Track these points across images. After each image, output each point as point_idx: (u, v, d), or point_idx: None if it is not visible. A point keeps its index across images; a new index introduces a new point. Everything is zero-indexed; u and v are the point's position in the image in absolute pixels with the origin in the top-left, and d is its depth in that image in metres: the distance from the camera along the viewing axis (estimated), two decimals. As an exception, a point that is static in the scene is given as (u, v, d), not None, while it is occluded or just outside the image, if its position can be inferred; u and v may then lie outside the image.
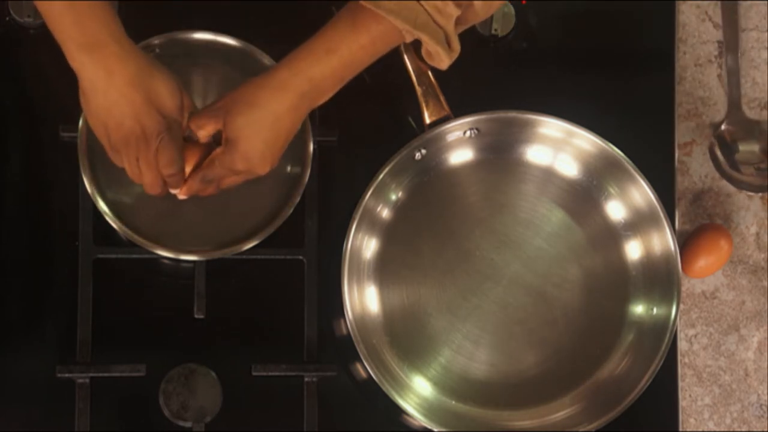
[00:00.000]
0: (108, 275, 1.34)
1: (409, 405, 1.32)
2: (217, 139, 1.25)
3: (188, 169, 1.25)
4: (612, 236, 1.41)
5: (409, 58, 1.34)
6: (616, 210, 1.41)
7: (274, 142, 1.23)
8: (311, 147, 1.33)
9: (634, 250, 1.40)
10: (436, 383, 1.37)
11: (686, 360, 1.43)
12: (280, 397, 1.35)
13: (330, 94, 1.24)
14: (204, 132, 1.24)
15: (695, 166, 1.46)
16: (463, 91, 1.39)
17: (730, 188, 1.46)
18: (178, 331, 1.35)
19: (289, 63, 1.22)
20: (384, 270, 1.38)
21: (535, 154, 1.41)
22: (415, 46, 1.30)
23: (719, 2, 1.48)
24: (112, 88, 1.16)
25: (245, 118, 1.21)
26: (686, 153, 1.46)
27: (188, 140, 1.25)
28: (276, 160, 1.24)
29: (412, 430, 1.37)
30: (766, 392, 1.43)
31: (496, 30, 1.43)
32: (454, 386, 1.37)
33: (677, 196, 1.45)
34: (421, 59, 1.28)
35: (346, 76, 1.23)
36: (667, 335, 1.35)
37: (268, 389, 1.35)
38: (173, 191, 1.26)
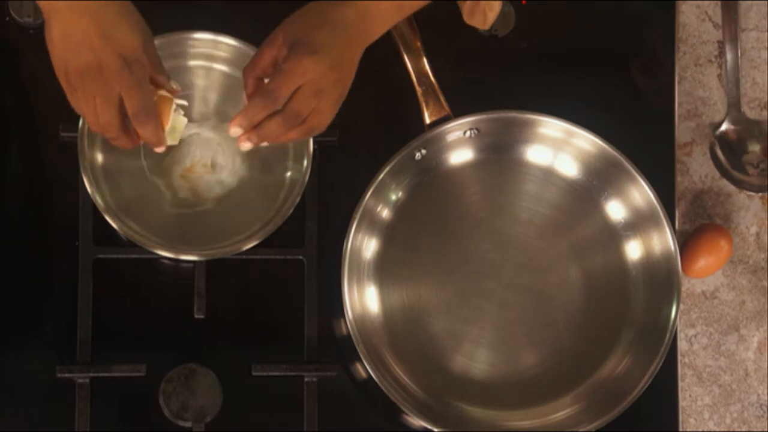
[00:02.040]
0: (108, 275, 1.34)
1: (409, 405, 1.32)
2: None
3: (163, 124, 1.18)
4: (612, 236, 1.41)
5: (409, 58, 1.35)
6: (616, 210, 1.41)
7: (339, 45, 1.16)
8: (311, 147, 1.33)
9: (634, 250, 1.40)
10: (436, 383, 1.37)
11: (686, 360, 1.43)
12: (280, 397, 1.35)
13: (387, 25, 1.20)
14: (265, 59, 1.18)
15: (695, 166, 1.46)
16: (463, 91, 1.39)
17: (730, 188, 1.46)
18: (178, 331, 1.35)
19: None
20: (384, 270, 1.38)
21: (535, 154, 1.41)
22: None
23: (719, 2, 1.48)
24: (70, 11, 1.10)
25: (305, 19, 1.17)
26: (686, 153, 1.46)
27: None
28: (340, 67, 1.16)
29: (412, 430, 1.37)
30: (766, 392, 1.43)
31: (496, 30, 1.43)
32: (454, 386, 1.37)
33: (677, 196, 1.45)
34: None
35: (405, 6, 1.21)
36: (667, 335, 1.35)
37: (268, 389, 1.35)
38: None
